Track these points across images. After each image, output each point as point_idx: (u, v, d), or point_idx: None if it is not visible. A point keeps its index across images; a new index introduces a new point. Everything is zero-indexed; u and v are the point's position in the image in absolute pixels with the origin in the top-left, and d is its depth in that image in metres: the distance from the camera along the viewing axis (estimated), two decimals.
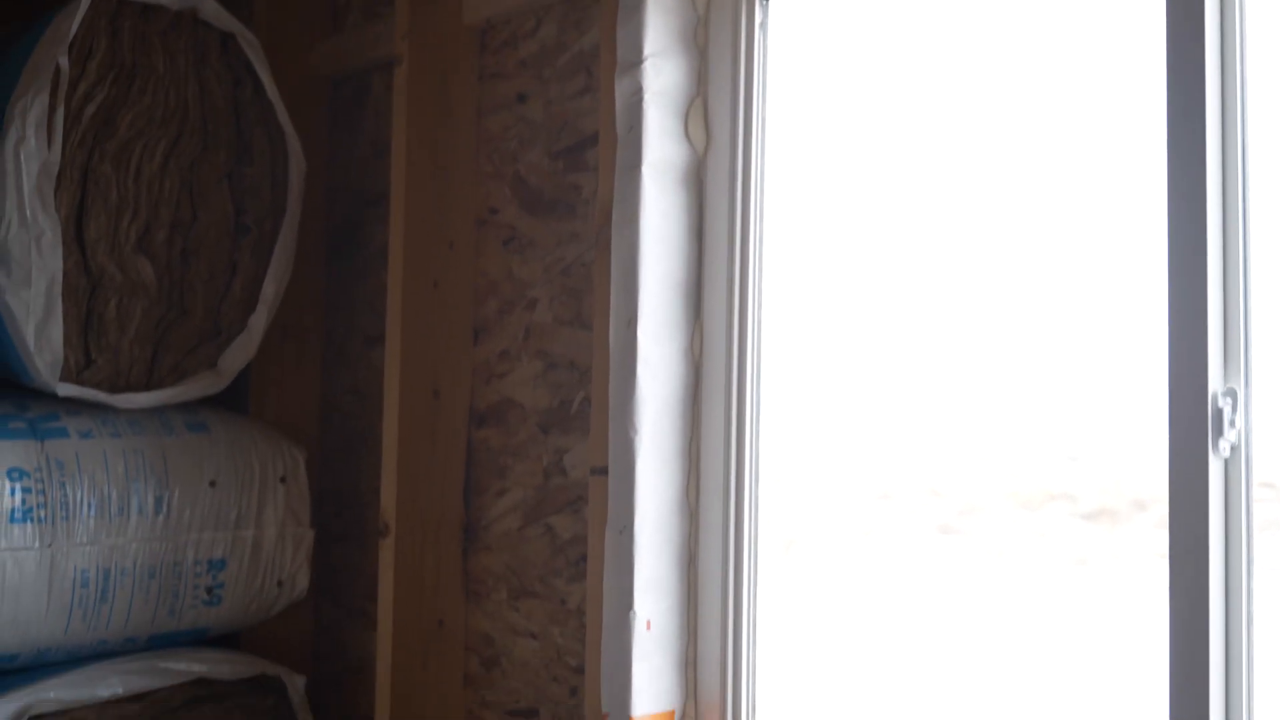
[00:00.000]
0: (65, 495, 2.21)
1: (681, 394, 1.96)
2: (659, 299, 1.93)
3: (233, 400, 2.54)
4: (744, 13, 1.97)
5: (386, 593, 2.27)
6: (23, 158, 2.12)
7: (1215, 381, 1.45)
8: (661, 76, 1.95)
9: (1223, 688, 1.45)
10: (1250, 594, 1.44)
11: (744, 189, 1.94)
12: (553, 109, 2.19)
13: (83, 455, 2.25)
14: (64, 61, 2.16)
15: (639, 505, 1.91)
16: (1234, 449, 1.45)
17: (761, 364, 1.96)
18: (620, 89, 1.96)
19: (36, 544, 2.18)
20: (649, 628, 1.92)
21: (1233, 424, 1.44)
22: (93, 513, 2.23)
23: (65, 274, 2.19)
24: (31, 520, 2.17)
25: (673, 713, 1.96)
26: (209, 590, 2.36)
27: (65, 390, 2.23)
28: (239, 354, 2.41)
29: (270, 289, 2.41)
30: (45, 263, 2.16)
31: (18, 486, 2.17)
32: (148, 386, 2.32)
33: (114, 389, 2.29)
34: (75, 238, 2.22)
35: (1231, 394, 1.44)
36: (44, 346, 2.18)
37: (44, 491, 2.19)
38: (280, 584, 2.44)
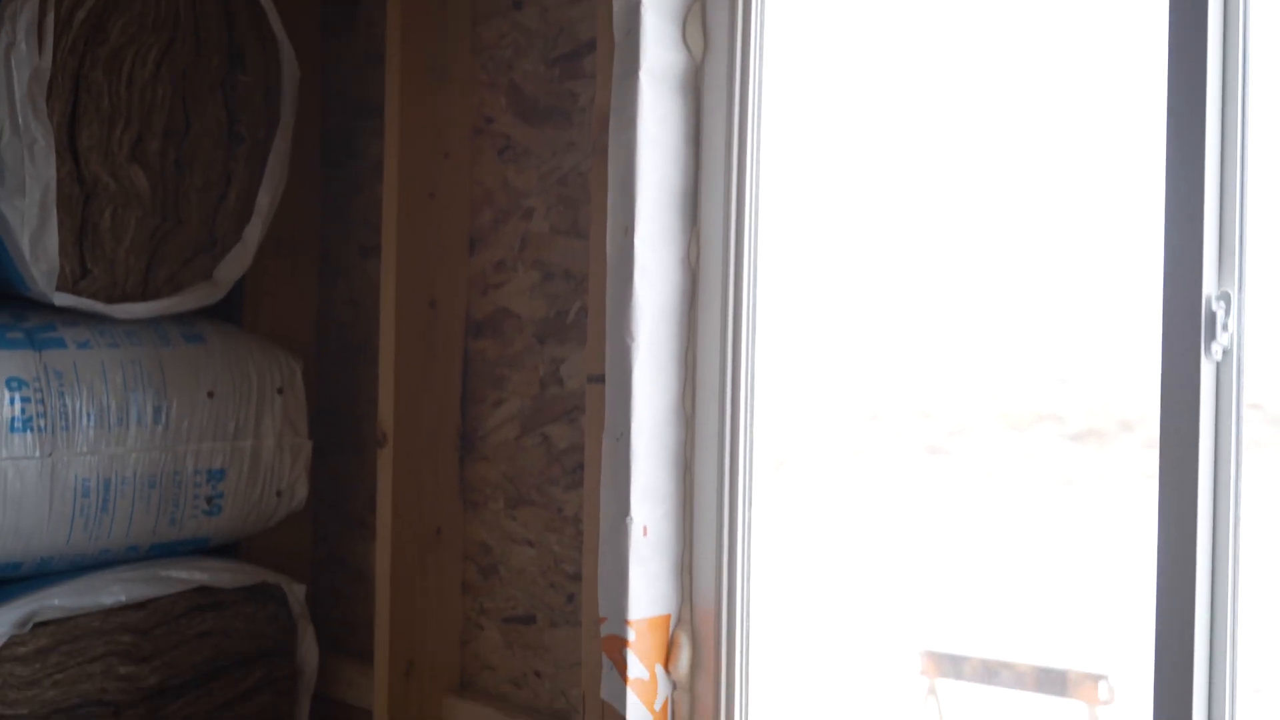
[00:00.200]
0: (64, 405, 2.22)
1: (678, 302, 1.97)
2: (656, 206, 1.93)
3: (228, 313, 2.55)
4: None
5: (385, 502, 2.30)
6: (14, 63, 2.10)
7: (1209, 285, 1.46)
8: None
9: (1209, 582, 1.48)
10: (1238, 495, 1.47)
11: (742, 96, 1.92)
12: (549, 16, 2.17)
13: (81, 365, 2.26)
14: None
15: (636, 412, 1.92)
16: (1226, 352, 1.46)
17: (758, 274, 1.96)
18: None
19: (37, 453, 2.19)
20: (645, 533, 1.94)
21: (1225, 328, 1.45)
22: (92, 422, 2.24)
23: (59, 183, 2.18)
24: (31, 430, 2.18)
25: (669, 616, 1.99)
26: (209, 500, 2.38)
27: (62, 300, 2.23)
28: (234, 265, 2.41)
29: (265, 199, 2.40)
30: (39, 171, 2.15)
31: (16, 396, 2.18)
32: (144, 297, 2.32)
33: (110, 299, 2.29)
34: (68, 146, 2.21)
35: (1225, 298, 1.45)
36: (40, 256, 2.18)
37: (43, 401, 2.20)
38: (279, 494, 2.46)
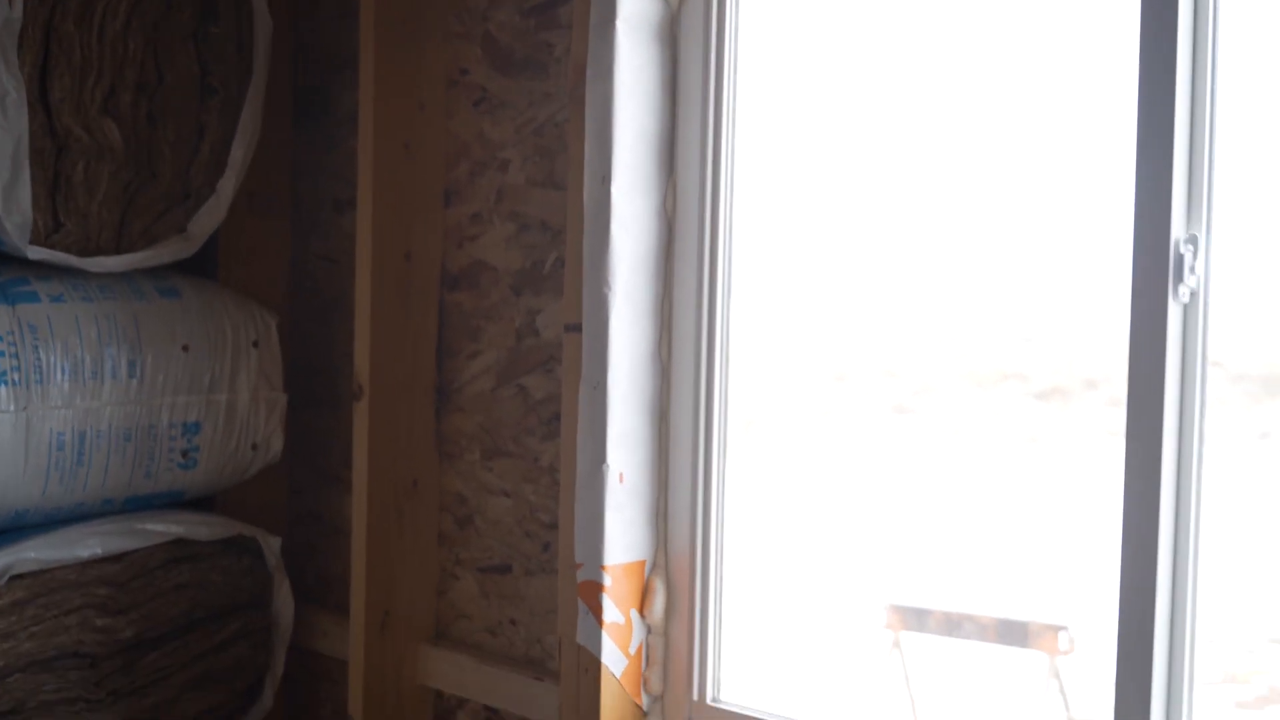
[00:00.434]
0: (39, 358, 2.21)
1: (655, 251, 1.99)
2: (633, 155, 1.94)
3: (203, 267, 2.54)
4: None
5: (361, 454, 2.31)
6: None
7: (1178, 228, 1.49)
8: None
9: (1172, 527, 1.51)
10: (1203, 436, 1.51)
11: (718, 44, 1.94)
12: None
13: (54, 319, 2.25)
14: None
15: (612, 360, 1.94)
16: (1193, 294, 1.49)
17: (734, 224, 1.98)
18: None
19: (11, 407, 2.19)
20: (621, 480, 1.97)
21: (1193, 270, 1.49)
22: (66, 376, 2.24)
23: (31, 136, 2.17)
24: (5, 383, 2.18)
25: (644, 563, 2.01)
26: (184, 453, 2.38)
27: (35, 253, 2.22)
28: (208, 218, 2.41)
29: (238, 153, 2.40)
30: (10, 123, 2.14)
31: None
32: (117, 250, 2.32)
33: (84, 253, 2.28)
34: (40, 99, 2.19)
35: (1193, 241, 1.48)
36: (13, 209, 2.17)
37: (17, 355, 2.19)
38: (255, 447, 2.46)
